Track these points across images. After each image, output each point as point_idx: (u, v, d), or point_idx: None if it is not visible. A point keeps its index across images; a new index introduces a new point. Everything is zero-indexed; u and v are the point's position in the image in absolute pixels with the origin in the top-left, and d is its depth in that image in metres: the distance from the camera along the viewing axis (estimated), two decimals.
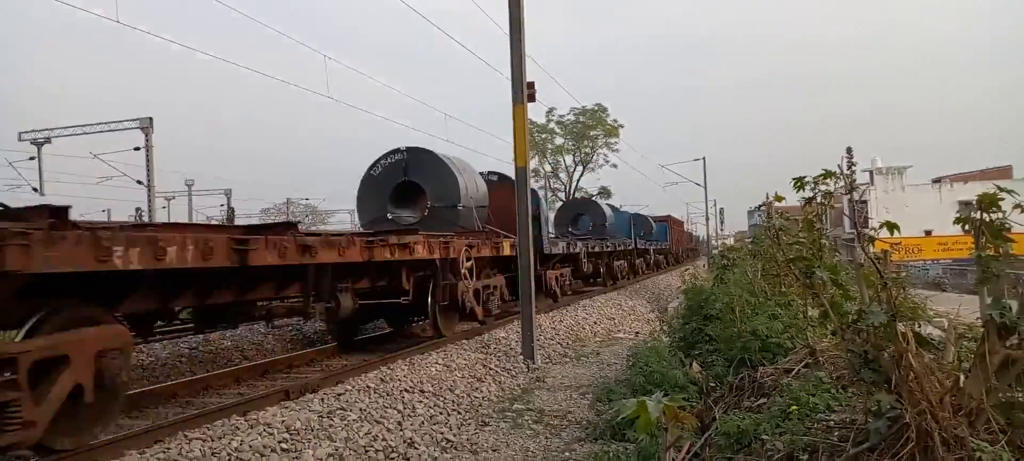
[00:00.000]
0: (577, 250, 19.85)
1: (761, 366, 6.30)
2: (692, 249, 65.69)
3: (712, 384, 7.06)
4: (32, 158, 32.23)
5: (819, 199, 5.63)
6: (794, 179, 5.64)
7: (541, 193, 30.69)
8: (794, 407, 4.46)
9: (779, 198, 5.91)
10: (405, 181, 13.07)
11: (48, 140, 32.91)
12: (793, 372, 5.48)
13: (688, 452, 5.04)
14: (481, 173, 15.61)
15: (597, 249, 22.80)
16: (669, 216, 47.61)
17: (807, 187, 5.56)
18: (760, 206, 6.91)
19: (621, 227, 29.69)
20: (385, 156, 13.26)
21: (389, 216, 12.91)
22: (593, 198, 34.54)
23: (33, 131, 32.34)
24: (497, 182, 16.02)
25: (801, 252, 4.87)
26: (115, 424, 6.19)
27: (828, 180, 5.33)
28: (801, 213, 5.94)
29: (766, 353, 6.60)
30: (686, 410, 3.95)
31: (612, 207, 34.29)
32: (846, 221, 37.36)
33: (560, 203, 44.06)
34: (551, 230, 24.50)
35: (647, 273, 33.67)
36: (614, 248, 25.63)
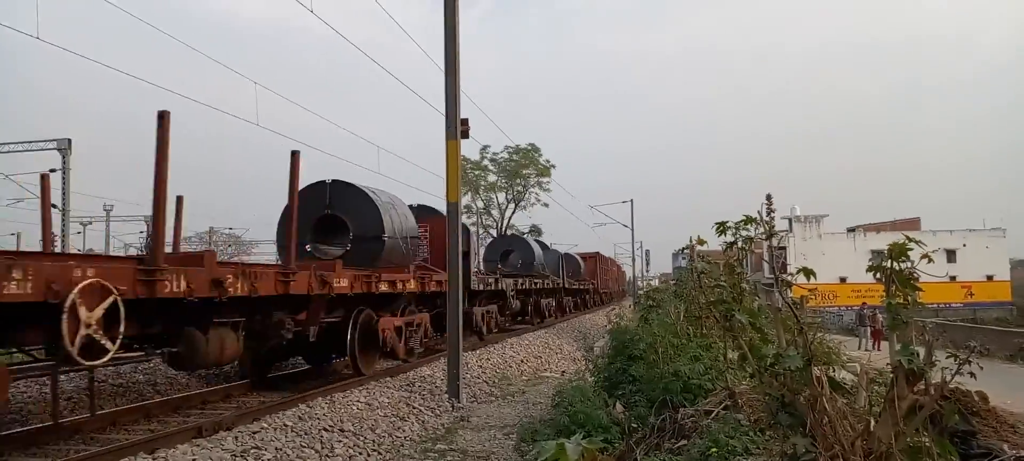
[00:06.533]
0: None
1: (682, 407, 6.36)
2: (621, 291, 66.32)
3: (634, 425, 7.09)
4: None
5: (740, 244, 5.76)
6: (717, 223, 5.75)
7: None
8: (714, 449, 4.50)
9: (701, 241, 6.02)
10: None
11: None
12: (713, 414, 5.56)
13: None
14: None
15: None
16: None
17: (729, 232, 5.68)
18: (684, 249, 7.06)
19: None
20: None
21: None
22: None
23: None
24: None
25: (722, 295, 4.95)
26: None
27: (749, 226, 5.46)
28: (723, 257, 6.06)
29: (687, 394, 6.69)
30: (607, 452, 3.94)
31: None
32: (765, 266, 38.54)
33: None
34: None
35: (574, 312, 33.88)
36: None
